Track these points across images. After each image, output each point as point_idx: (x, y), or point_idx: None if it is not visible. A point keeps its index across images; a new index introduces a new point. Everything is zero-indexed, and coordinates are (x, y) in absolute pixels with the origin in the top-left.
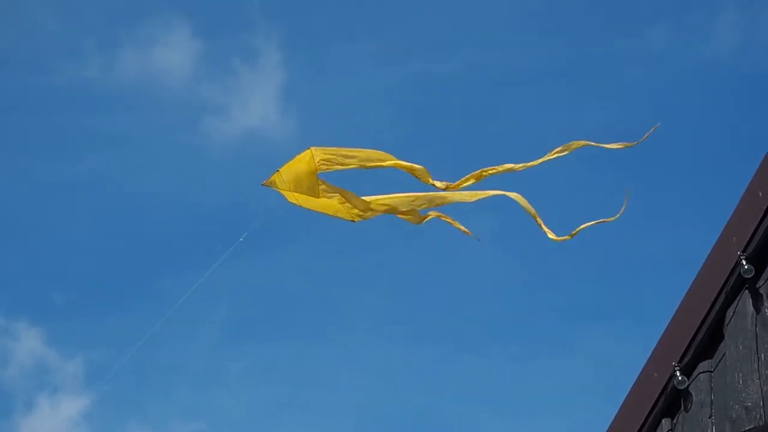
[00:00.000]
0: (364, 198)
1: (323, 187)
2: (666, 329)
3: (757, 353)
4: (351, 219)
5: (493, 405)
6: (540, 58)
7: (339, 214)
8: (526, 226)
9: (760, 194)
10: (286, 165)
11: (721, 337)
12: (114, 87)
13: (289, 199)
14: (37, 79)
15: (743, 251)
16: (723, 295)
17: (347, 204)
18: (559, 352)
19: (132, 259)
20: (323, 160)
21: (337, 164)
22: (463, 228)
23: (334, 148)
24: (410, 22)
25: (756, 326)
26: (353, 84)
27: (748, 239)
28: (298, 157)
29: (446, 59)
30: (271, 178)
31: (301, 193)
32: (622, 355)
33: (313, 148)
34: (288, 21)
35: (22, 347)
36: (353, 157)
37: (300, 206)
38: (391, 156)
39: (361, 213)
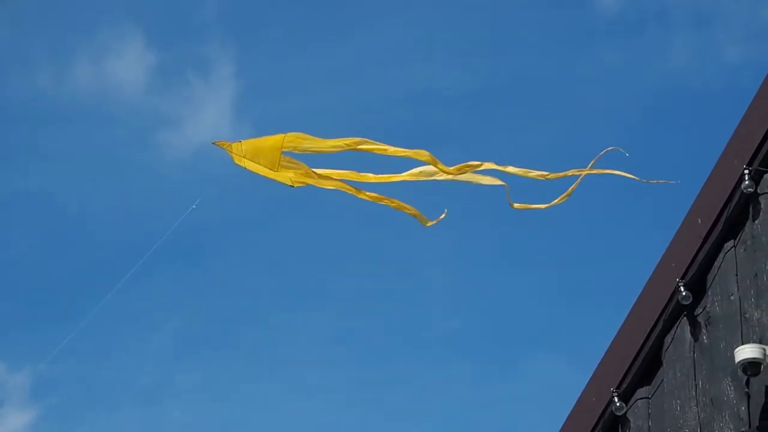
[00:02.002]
0: (323, 172)
1: (285, 162)
2: (605, 355)
3: (695, 380)
4: (291, 184)
5: (436, 426)
6: (488, 77)
7: (278, 179)
8: (479, 247)
9: (699, 221)
10: (254, 139)
11: (659, 364)
12: (66, 98)
13: (235, 160)
14: None
15: (682, 278)
16: (661, 322)
17: (292, 171)
18: (502, 375)
19: (77, 274)
20: (294, 144)
21: (310, 146)
22: (417, 213)
23: (312, 137)
24: (364, 40)
25: (694, 353)
26: (306, 99)
27: (686, 266)
28: (269, 137)
29: (397, 78)
30: (228, 143)
31: (257, 163)
32: (561, 380)
33: (288, 134)
34: (243, 32)
35: None
36: (333, 145)
37: (244, 167)
38: (381, 144)
39: (303, 180)
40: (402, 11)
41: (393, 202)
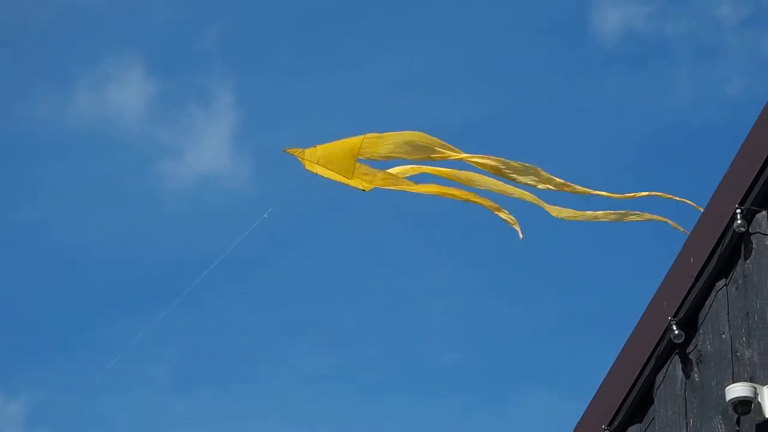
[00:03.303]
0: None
1: (362, 170)
2: (597, 392)
3: (686, 418)
4: (363, 188)
5: None
6: (488, 109)
7: (352, 184)
8: (473, 285)
9: (692, 260)
10: (328, 143)
11: (650, 402)
12: (67, 128)
13: (306, 167)
14: None
15: (674, 316)
16: (653, 360)
17: (365, 175)
18: (494, 410)
19: (73, 306)
20: (370, 150)
21: (386, 150)
22: (511, 220)
23: (388, 134)
24: (364, 71)
25: (685, 391)
26: (305, 130)
27: (678, 304)
28: (347, 139)
29: (397, 110)
30: (301, 150)
31: (330, 170)
32: (553, 416)
33: (367, 136)
34: (243, 62)
35: None
36: (408, 150)
37: (315, 173)
38: (455, 149)
39: (381, 185)
40: (401, 43)
41: (488, 203)
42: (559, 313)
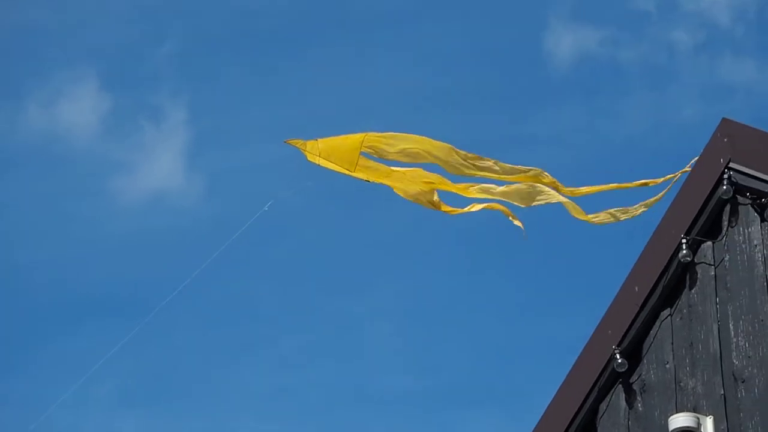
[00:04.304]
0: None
1: (362, 163)
2: (540, 420)
3: None
4: (367, 179)
5: None
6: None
7: (355, 175)
8: (423, 307)
9: (636, 289)
10: (331, 137)
11: (594, 431)
12: (16, 143)
13: (308, 158)
14: None
15: (618, 345)
16: (597, 389)
17: (367, 168)
18: None
19: (19, 326)
20: (374, 145)
21: (390, 148)
22: (516, 221)
23: (395, 134)
24: (317, 95)
25: (628, 420)
26: (257, 150)
27: (623, 334)
28: (347, 136)
29: (343, 131)
30: (302, 141)
31: (332, 162)
32: None
33: (369, 134)
34: (196, 78)
35: None
36: (413, 152)
37: (318, 164)
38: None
39: (383, 181)
40: (351, 68)
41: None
42: (507, 338)
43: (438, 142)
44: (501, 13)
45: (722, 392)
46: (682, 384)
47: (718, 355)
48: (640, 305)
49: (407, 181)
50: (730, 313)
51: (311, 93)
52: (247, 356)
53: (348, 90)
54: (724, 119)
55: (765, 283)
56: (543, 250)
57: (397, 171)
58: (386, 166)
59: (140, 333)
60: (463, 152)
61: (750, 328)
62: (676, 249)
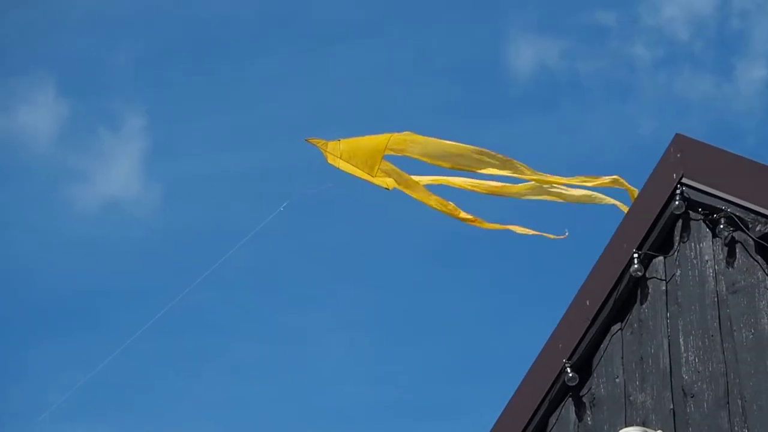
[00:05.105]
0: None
1: (384, 167)
2: None
3: None
4: (387, 187)
5: None
6: None
7: (375, 182)
8: (376, 319)
9: (587, 303)
10: (354, 138)
11: None
12: None
13: (328, 160)
14: None
15: (568, 359)
16: (547, 402)
17: (388, 176)
18: None
19: None
20: (400, 147)
21: (413, 153)
22: (547, 234)
23: (422, 138)
24: (271, 103)
25: None
26: (215, 159)
27: (573, 347)
28: (374, 136)
29: (300, 143)
30: (324, 141)
31: (354, 165)
32: None
33: (394, 135)
34: (154, 87)
35: None
36: (434, 154)
37: (337, 167)
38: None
39: (404, 189)
40: (309, 79)
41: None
42: (459, 351)
43: (462, 144)
44: (461, 24)
45: (672, 407)
46: (631, 398)
47: (668, 369)
48: (591, 319)
49: (424, 195)
50: (680, 328)
51: (267, 102)
52: (199, 367)
53: (303, 100)
54: (677, 135)
55: (715, 299)
56: (495, 264)
57: (418, 182)
58: (407, 175)
59: (90, 343)
60: (490, 152)
61: (700, 343)
62: (627, 263)
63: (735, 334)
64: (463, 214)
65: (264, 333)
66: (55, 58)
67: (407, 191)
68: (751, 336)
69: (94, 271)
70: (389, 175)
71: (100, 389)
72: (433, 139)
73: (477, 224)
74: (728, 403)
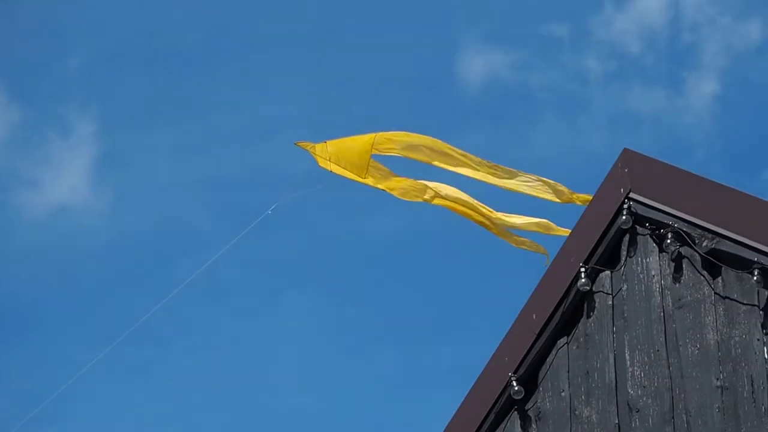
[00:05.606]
0: (422, 183)
1: (373, 168)
2: None
3: None
4: (376, 186)
5: None
6: None
7: (367, 183)
8: (320, 330)
9: (534, 316)
10: (340, 139)
11: None
12: None
13: (319, 163)
14: None
15: (514, 372)
16: (492, 416)
17: (379, 176)
18: None
19: None
20: (385, 146)
21: (398, 150)
22: (540, 248)
23: (400, 133)
24: (222, 115)
25: None
26: (163, 168)
27: (519, 361)
28: (360, 136)
29: (254, 154)
30: (312, 144)
31: (342, 167)
32: None
33: (378, 135)
34: (105, 93)
35: None
36: (418, 149)
37: (330, 171)
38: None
39: (401, 190)
40: (261, 90)
41: (516, 240)
42: (404, 363)
43: (438, 140)
44: (413, 35)
45: (617, 421)
46: (577, 412)
47: (614, 384)
48: (537, 333)
49: (417, 191)
50: (626, 342)
51: (219, 111)
52: (139, 378)
53: (255, 110)
54: (625, 149)
55: (662, 314)
56: (443, 275)
57: (408, 181)
58: (396, 176)
59: (27, 352)
60: (458, 150)
61: (645, 358)
62: (574, 277)
63: (681, 349)
64: (477, 215)
65: (207, 342)
66: (5, 63)
67: (404, 193)
68: (696, 351)
69: (40, 279)
70: (380, 175)
71: (40, 399)
72: (415, 134)
73: (491, 229)
74: (673, 418)
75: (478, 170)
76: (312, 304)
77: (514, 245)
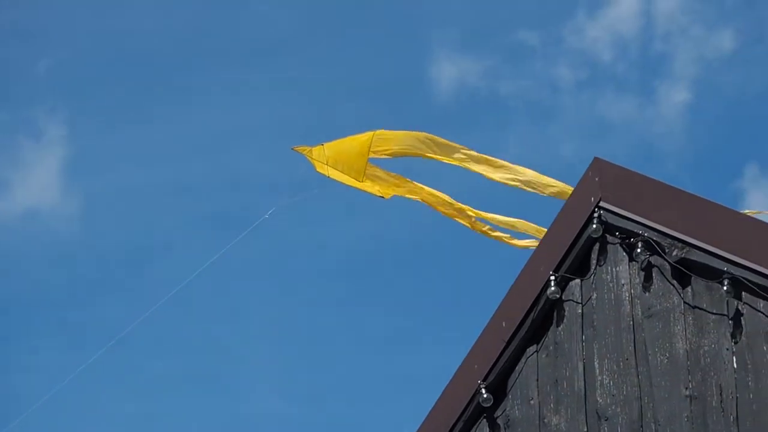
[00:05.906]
0: (417, 185)
1: (370, 171)
2: None
3: None
4: (381, 195)
5: None
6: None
7: (366, 189)
8: (295, 334)
9: (504, 324)
10: (337, 141)
11: None
12: None
13: (317, 168)
14: None
15: (484, 380)
16: (461, 423)
17: (377, 182)
18: None
19: None
20: (381, 148)
21: (395, 151)
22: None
23: (396, 133)
24: (192, 121)
25: None
26: (134, 173)
27: (489, 368)
28: (356, 136)
29: (226, 159)
30: (309, 148)
31: (340, 171)
32: None
33: (377, 132)
34: (75, 96)
35: None
36: (415, 145)
37: (327, 175)
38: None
39: (396, 191)
40: (232, 96)
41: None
42: (376, 368)
43: (433, 135)
44: (384, 42)
45: (585, 430)
46: (546, 420)
47: (583, 392)
48: (506, 341)
49: (424, 194)
50: (595, 351)
51: (189, 116)
52: (112, 382)
53: (226, 117)
54: (595, 158)
55: (631, 323)
56: (414, 282)
57: (408, 183)
58: (395, 177)
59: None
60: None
61: (615, 366)
62: (544, 285)
63: (650, 358)
64: (461, 217)
65: (179, 347)
66: None
67: (401, 193)
68: (665, 360)
69: (9, 282)
70: (378, 179)
71: (8, 403)
72: (411, 132)
73: (492, 236)
74: (642, 426)
75: (477, 163)
76: (288, 308)
77: (494, 239)
